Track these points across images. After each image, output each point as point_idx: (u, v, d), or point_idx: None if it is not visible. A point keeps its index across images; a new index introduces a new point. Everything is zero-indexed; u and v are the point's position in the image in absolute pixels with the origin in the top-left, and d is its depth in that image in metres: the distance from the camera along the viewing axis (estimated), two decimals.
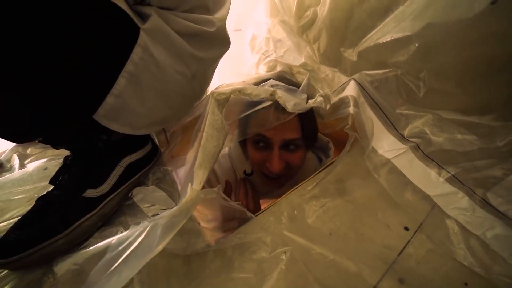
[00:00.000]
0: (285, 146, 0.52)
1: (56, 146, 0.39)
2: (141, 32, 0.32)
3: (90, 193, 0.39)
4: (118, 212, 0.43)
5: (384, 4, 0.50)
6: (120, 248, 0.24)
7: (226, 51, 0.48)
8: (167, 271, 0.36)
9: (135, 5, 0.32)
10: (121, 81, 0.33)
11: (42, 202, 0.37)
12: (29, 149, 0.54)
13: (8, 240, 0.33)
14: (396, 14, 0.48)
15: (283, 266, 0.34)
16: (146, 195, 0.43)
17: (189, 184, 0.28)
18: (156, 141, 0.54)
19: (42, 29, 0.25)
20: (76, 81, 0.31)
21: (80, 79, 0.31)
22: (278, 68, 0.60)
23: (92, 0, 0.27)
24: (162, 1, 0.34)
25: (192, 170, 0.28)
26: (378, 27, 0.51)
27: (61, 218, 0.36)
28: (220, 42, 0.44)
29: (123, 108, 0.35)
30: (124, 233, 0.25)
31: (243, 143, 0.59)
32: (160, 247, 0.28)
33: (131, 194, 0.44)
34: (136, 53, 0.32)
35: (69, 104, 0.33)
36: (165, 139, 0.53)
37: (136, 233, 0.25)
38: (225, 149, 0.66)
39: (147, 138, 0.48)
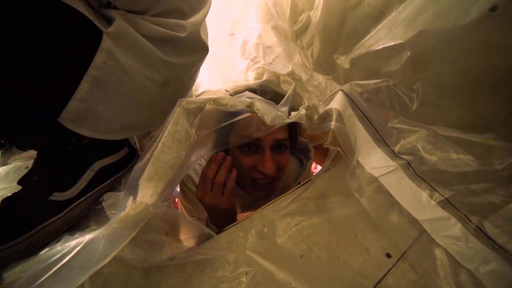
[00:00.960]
0: (275, 147, 0.50)
1: (21, 148, 0.39)
2: (104, 36, 0.31)
3: (57, 196, 0.38)
4: (86, 217, 0.42)
5: (377, 10, 0.46)
6: (50, 260, 0.23)
7: (203, 58, 0.46)
8: (125, 282, 0.35)
9: (100, 8, 0.31)
10: (85, 85, 0.32)
11: (7, 202, 0.37)
12: (14, 147, 0.55)
13: None
14: (389, 20, 0.44)
15: None
16: (116, 201, 0.42)
17: (130, 198, 0.26)
18: (137, 145, 0.54)
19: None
20: (38, 84, 0.31)
21: (42, 83, 0.31)
22: (265, 76, 0.58)
23: (50, 3, 0.26)
24: (129, 5, 0.33)
25: (137, 183, 0.26)
26: (371, 33, 0.48)
27: (23, 220, 0.35)
28: (194, 47, 0.42)
29: (89, 112, 0.35)
30: (56, 246, 0.24)
31: (223, 150, 0.57)
32: (104, 261, 0.26)
33: (102, 199, 0.43)
34: (99, 57, 0.32)
35: (32, 107, 0.33)
36: (145, 145, 0.52)
37: (72, 245, 0.24)
38: (203, 162, 0.64)
39: (123, 142, 0.47)
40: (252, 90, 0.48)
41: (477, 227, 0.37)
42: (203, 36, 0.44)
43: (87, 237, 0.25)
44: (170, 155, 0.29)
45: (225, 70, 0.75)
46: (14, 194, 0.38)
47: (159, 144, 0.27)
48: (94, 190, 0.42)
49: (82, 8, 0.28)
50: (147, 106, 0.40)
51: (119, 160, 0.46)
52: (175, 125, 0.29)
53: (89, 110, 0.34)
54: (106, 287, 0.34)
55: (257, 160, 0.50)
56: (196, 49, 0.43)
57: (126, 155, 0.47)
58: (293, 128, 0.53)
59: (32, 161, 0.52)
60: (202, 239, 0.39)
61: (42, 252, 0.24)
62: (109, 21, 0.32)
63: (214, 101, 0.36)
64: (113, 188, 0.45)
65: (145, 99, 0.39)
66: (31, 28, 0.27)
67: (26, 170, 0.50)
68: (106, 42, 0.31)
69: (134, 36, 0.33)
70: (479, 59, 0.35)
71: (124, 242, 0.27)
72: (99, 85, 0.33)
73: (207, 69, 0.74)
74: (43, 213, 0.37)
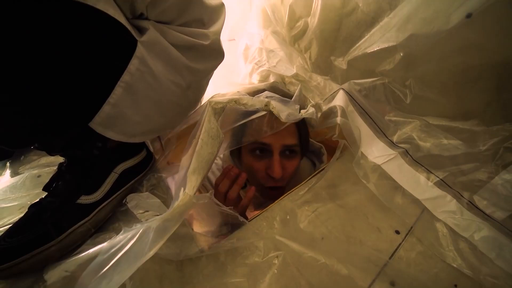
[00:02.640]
0: (284, 152, 0.53)
1: (51, 153, 0.40)
2: (139, 45, 0.33)
3: (84, 199, 0.39)
4: (112, 219, 0.43)
5: (370, 16, 0.52)
6: (111, 251, 0.24)
7: (220, 63, 0.49)
8: (160, 276, 0.36)
9: (134, 19, 0.34)
10: (118, 91, 0.34)
11: (35, 208, 0.37)
12: (23, 156, 0.54)
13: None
14: (381, 25, 0.50)
15: (275, 271, 0.35)
16: (140, 202, 0.44)
17: (182, 189, 0.28)
18: (151, 148, 0.55)
19: (41, 39, 0.27)
20: (74, 89, 0.32)
21: (77, 88, 0.32)
22: (271, 78, 0.62)
23: (93, 14, 0.28)
24: (159, 15, 0.35)
25: (186, 175, 0.28)
26: (365, 37, 0.54)
27: (54, 224, 0.36)
28: (214, 54, 0.45)
29: (118, 116, 0.36)
30: (116, 236, 0.26)
31: (236, 154, 0.59)
32: (152, 252, 0.28)
33: (125, 201, 0.44)
34: (133, 64, 0.34)
35: (66, 112, 0.34)
36: (160, 147, 0.53)
37: (128, 236, 0.26)
38: (219, 161, 0.67)
39: (141, 145, 0.49)
40: (262, 91, 0.52)
41: (469, 201, 0.43)
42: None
43: (141, 229, 0.27)
44: (207, 151, 0.31)
45: (227, 74, 0.78)
46: (41, 200, 0.38)
47: (199, 141, 0.30)
48: (118, 192, 0.43)
49: (122, 19, 0.30)
50: (170, 109, 0.42)
51: (139, 163, 0.47)
52: (209, 123, 0.32)
53: (119, 115, 0.36)
54: (143, 282, 0.35)
55: (266, 164, 0.52)
56: (216, 55, 0.46)
57: (145, 158, 0.49)
58: (303, 133, 0.55)
59: (45, 168, 0.51)
60: (228, 230, 0.41)
61: (104, 245, 0.25)
62: (140, 30, 0.34)
63: (236, 101, 0.40)
64: (134, 190, 0.46)
65: (169, 102, 0.41)
66: (74, 36, 0.28)
67: (39, 178, 0.50)
68: (140, 50, 0.33)
69: (163, 44, 0.36)
70: (460, 58, 0.42)
71: (170, 232, 0.29)
72: (131, 90, 0.35)
73: None
74: (72, 216, 0.38)
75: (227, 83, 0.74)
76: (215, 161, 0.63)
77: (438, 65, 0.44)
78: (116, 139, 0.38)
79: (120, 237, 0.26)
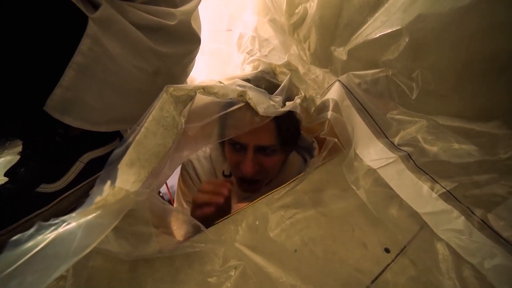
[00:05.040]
0: (260, 150, 0.48)
1: (8, 137, 0.38)
2: (90, 22, 0.30)
3: (44, 188, 0.37)
4: (75, 210, 0.41)
5: None
6: (24, 247, 0.22)
7: (195, 49, 0.45)
8: (111, 276, 0.34)
9: None
10: (70, 73, 0.32)
11: None
12: (8, 142, 0.55)
13: None
14: (386, 7, 0.43)
15: (229, 284, 0.30)
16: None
17: (108, 182, 0.25)
18: None
19: None
20: (22, 71, 0.30)
21: (26, 70, 0.30)
22: (261, 68, 0.56)
23: None
24: None
25: (116, 168, 0.25)
26: (368, 23, 0.47)
27: (8, 212, 0.35)
28: (184, 37, 0.41)
29: (76, 101, 0.34)
30: (28, 232, 0.23)
31: (222, 143, 0.56)
32: (84, 252, 0.25)
33: (91, 192, 0.42)
34: (85, 43, 0.31)
35: (17, 95, 0.32)
36: None
37: (46, 232, 0.23)
38: (207, 150, 0.64)
39: (114, 134, 0.46)
40: (246, 80, 0.47)
41: (481, 220, 0.35)
42: (194, 27, 0.43)
43: (63, 225, 0.24)
44: (154, 141, 0.27)
45: (223, 65, 0.74)
46: (0, 186, 0.37)
47: (142, 129, 0.26)
48: (83, 183, 0.41)
49: None
50: (136, 96, 0.39)
51: (110, 153, 0.44)
52: (161, 110, 0.28)
53: (75, 99, 0.34)
54: (91, 281, 0.32)
55: (241, 158, 0.49)
56: (187, 39, 0.42)
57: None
58: (284, 131, 0.49)
59: (17, 154, 0.51)
60: (191, 232, 0.37)
61: (13, 238, 0.22)
62: (95, 6, 0.31)
63: (204, 89, 0.35)
64: None
65: (134, 89, 0.38)
66: (13, 12, 0.26)
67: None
68: (91, 28, 0.30)
69: (121, 23, 0.32)
70: (480, 42, 0.34)
71: (105, 232, 0.26)
72: (86, 73, 0.32)
73: (204, 63, 0.74)
74: (30, 205, 0.36)
75: (220, 75, 0.71)
76: (202, 149, 0.61)
77: (451, 52, 0.36)
78: (77, 126, 0.36)
79: (34, 233, 0.23)
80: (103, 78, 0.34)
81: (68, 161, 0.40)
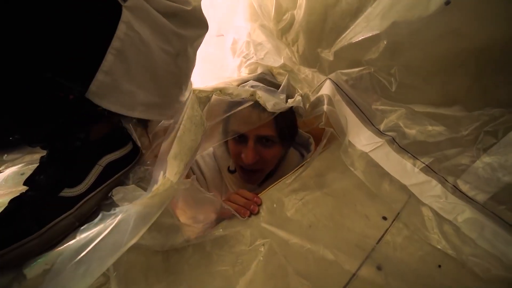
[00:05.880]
0: (260, 140, 0.53)
1: (32, 144, 0.39)
2: (123, 9, 0.33)
3: (67, 192, 0.38)
4: (97, 212, 0.42)
5: (354, 6, 0.52)
6: (89, 237, 0.24)
7: (204, 33, 0.48)
8: (146, 268, 0.36)
9: None
10: (109, 57, 0.33)
11: (16, 203, 0.36)
12: (5, 155, 0.53)
13: None
14: (365, 15, 0.51)
15: (261, 258, 0.34)
16: (126, 194, 0.43)
17: (162, 173, 0.28)
18: (138, 143, 0.54)
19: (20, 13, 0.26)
20: (63, 60, 0.32)
21: (67, 58, 0.32)
22: (259, 70, 0.61)
23: None
24: None
25: (166, 160, 0.28)
26: (351, 28, 0.54)
27: (35, 218, 0.35)
28: (197, 22, 0.45)
29: (113, 85, 0.35)
30: (94, 222, 0.25)
31: (225, 141, 0.60)
32: (134, 240, 0.28)
33: (111, 194, 0.43)
34: (121, 29, 0.33)
35: (62, 83, 0.33)
36: (148, 142, 0.53)
37: (107, 223, 0.25)
38: (210, 148, 0.67)
39: (127, 138, 0.48)
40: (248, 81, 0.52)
41: (453, 185, 0.43)
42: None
43: (120, 215, 0.26)
44: (189, 137, 0.31)
45: (215, 69, 0.78)
46: (22, 194, 0.37)
47: (181, 126, 0.30)
48: (103, 185, 0.42)
49: None
50: (163, 77, 0.41)
51: (125, 155, 0.46)
52: (192, 110, 0.32)
53: (113, 83, 0.35)
54: (128, 274, 0.34)
55: (242, 149, 0.54)
56: (199, 24, 0.45)
57: (131, 151, 0.48)
58: (282, 124, 0.54)
59: (28, 166, 0.50)
60: (215, 222, 0.41)
61: (82, 228, 0.24)
62: None
63: (221, 90, 0.39)
64: (121, 183, 0.45)
65: (162, 70, 0.40)
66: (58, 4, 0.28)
67: (22, 176, 0.49)
68: (125, 15, 0.33)
69: (148, 10, 0.35)
70: (440, 44, 0.42)
71: (152, 220, 0.29)
72: (122, 57, 0.34)
73: (198, 69, 0.76)
74: (55, 209, 0.37)
75: (214, 77, 0.74)
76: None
77: (421, 52, 0.45)
78: (115, 111, 0.37)
79: (98, 223, 0.25)
80: (137, 60, 0.36)
81: (88, 165, 0.41)
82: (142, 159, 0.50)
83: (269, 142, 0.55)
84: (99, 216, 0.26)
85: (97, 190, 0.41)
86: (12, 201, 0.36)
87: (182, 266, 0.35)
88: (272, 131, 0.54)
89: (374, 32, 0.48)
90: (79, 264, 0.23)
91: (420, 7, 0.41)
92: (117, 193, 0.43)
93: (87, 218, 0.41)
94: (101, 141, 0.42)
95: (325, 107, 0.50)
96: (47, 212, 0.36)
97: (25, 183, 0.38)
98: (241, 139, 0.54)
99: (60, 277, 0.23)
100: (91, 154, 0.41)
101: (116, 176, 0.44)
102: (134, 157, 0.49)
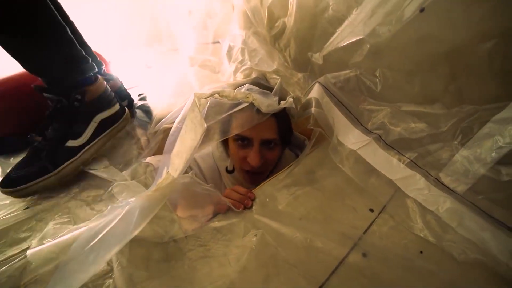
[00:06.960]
0: (265, 143, 0.56)
1: (54, 89, 0.48)
2: None
3: (71, 143, 0.49)
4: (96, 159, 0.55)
5: (340, 13, 0.56)
6: (99, 227, 0.27)
7: None
8: (146, 258, 0.38)
9: None
10: None
11: (34, 150, 0.48)
12: (12, 158, 0.56)
13: (11, 176, 0.45)
14: (350, 21, 0.54)
15: (254, 247, 0.37)
16: (123, 188, 0.46)
17: (165, 168, 0.31)
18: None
19: None
20: None
21: None
22: (254, 75, 0.65)
23: None
24: None
25: (169, 157, 0.31)
26: (337, 33, 0.58)
27: (50, 161, 0.46)
28: None
29: None
30: (103, 214, 0.28)
31: (224, 142, 0.63)
32: (137, 230, 0.30)
33: (111, 189, 0.46)
34: None
35: None
36: (146, 141, 0.56)
37: (114, 214, 0.28)
38: (209, 148, 0.69)
39: (114, 100, 0.57)
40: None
41: (435, 178, 0.46)
42: None
43: (126, 207, 0.29)
44: (189, 137, 0.34)
45: (212, 75, 0.82)
46: (37, 143, 0.48)
47: (183, 126, 0.32)
48: (99, 138, 0.53)
49: None
50: None
51: (113, 114, 0.56)
52: (193, 112, 0.35)
53: None
54: (130, 263, 0.37)
55: (247, 153, 0.56)
56: None
57: (118, 111, 0.58)
58: (282, 127, 0.58)
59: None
60: (213, 212, 0.43)
61: (93, 218, 0.27)
62: None
63: (219, 93, 0.43)
64: (113, 135, 0.57)
65: None
66: None
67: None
68: None
69: None
70: (418, 48, 0.46)
71: (154, 212, 0.32)
72: None
73: (195, 73, 0.80)
74: (64, 155, 0.48)
75: (211, 82, 0.78)
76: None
77: (401, 55, 0.48)
78: None
79: (105, 214, 0.28)
80: None
81: (85, 122, 0.51)
82: (128, 118, 0.61)
83: (272, 144, 0.58)
84: (108, 208, 0.29)
85: (94, 142, 0.52)
86: (31, 149, 0.49)
87: (183, 257, 0.38)
88: (274, 134, 0.57)
89: (359, 37, 0.52)
90: (90, 252, 0.25)
91: (397, 14, 0.44)
92: (116, 187, 0.46)
93: (89, 163, 0.53)
94: (94, 102, 0.52)
95: (313, 109, 0.53)
96: (58, 157, 0.47)
97: (37, 133, 0.49)
98: (246, 142, 0.57)
99: (72, 263, 0.25)
100: (87, 112, 0.52)
101: (108, 130, 0.55)
102: (121, 115, 0.59)
